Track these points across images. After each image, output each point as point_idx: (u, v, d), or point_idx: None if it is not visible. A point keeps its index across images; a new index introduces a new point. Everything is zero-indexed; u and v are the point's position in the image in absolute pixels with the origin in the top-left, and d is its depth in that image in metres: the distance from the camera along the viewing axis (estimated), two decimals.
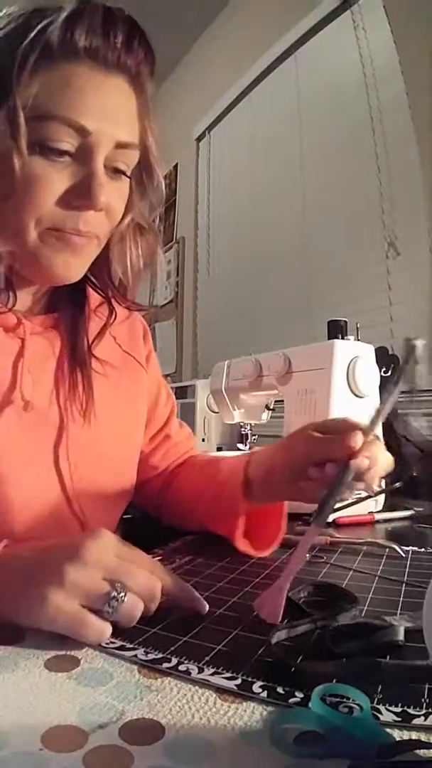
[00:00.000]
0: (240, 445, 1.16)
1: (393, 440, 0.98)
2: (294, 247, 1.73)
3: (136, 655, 0.33)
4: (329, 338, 0.92)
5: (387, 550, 0.57)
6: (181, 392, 1.76)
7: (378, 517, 0.76)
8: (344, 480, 0.44)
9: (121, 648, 0.34)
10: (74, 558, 0.34)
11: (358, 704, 0.27)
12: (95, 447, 0.60)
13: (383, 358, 0.84)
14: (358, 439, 0.44)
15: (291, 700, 0.28)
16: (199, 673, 0.31)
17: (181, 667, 0.31)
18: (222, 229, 2.22)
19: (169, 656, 0.33)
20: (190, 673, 0.31)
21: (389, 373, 0.97)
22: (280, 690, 0.29)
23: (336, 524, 0.71)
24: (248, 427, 1.11)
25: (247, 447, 1.11)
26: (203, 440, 1.67)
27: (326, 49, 1.66)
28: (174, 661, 0.32)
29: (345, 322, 0.95)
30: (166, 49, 2.29)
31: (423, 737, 0.24)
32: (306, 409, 0.79)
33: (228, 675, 0.30)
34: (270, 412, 1.04)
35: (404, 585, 0.46)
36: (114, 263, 0.59)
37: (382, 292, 1.37)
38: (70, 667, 0.31)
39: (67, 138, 0.46)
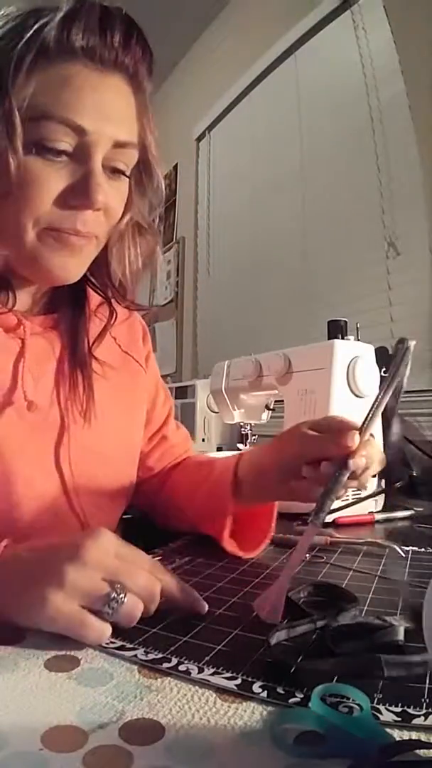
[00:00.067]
0: (240, 445, 1.16)
1: (389, 439, 0.98)
2: (294, 247, 1.73)
3: (136, 655, 0.33)
4: (329, 338, 0.92)
5: (387, 550, 0.57)
6: (181, 392, 1.76)
7: (378, 517, 0.76)
8: (341, 479, 0.44)
9: (121, 648, 0.34)
10: (74, 558, 0.34)
11: (358, 704, 0.27)
12: (95, 447, 0.60)
13: (383, 358, 0.84)
14: (355, 438, 0.44)
15: (291, 700, 0.28)
16: (199, 673, 0.31)
17: (181, 667, 0.31)
18: (222, 229, 2.22)
19: (169, 656, 0.33)
20: (190, 673, 0.31)
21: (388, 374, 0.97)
22: (280, 690, 0.29)
23: (336, 524, 0.71)
24: (248, 427, 1.11)
25: (247, 447, 1.11)
26: (203, 440, 1.67)
27: (326, 49, 1.65)
28: (174, 661, 0.32)
29: (345, 322, 0.95)
30: (166, 49, 2.31)
31: (423, 737, 0.24)
32: (306, 409, 0.79)
33: (228, 675, 0.30)
34: (270, 412, 1.04)
35: (404, 585, 0.46)
36: (113, 263, 0.59)
37: (382, 292, 1.37)
38: (70, 667, 0.31)
39: (64, 138, 0.46)
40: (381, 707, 0.27)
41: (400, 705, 0.27)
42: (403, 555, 0.56)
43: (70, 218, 0.48)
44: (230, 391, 1.01)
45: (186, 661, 0.32)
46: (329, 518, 0.71)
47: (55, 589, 0.33)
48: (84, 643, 0.34)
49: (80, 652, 0.33)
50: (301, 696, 0.28)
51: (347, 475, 0.44)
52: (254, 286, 1.91)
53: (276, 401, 1.01)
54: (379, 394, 0.43)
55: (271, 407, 1.03)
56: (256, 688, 0.29)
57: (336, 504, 0.55)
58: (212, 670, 0.31)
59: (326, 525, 0.69)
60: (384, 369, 0.82)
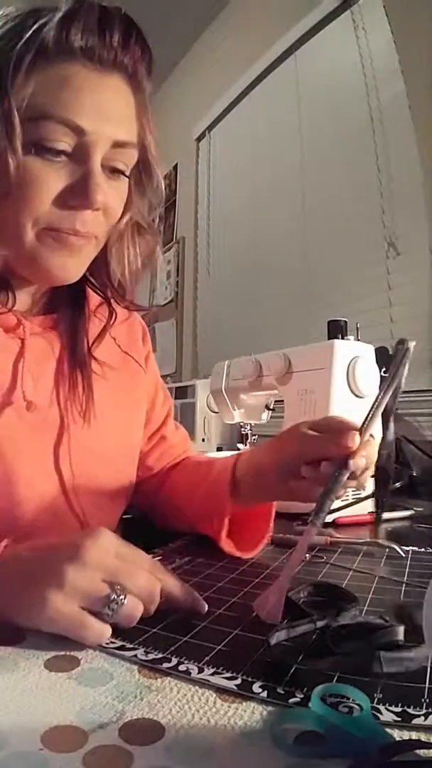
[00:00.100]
0: (240, 445, 1.16)
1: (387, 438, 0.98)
2: (294, 247, 1.73)
3: (136, 655, 0.33)
4: (329, 338, 0.92)
5: (387, 550, 0.57)
6: (181, 392, 1.76)
7: (366, 517, 0.75)
8: (341, 479, 0.44)
9: (121, 648, 0.34)
10: (74, 558, 0.34)
11: (358, 704, 0.27)
12: (95, 447, 0.60)
13: (383, 358, 0.84)
14: (356, 439, 0.44)
15: (291, 700, 0.28)
16: (199, 673, 0.31)
17: (181, 667, 0.31)
18: (222, 229, 2.22)
19: (169, 656, 0.33)
20: (190, 673, 0.31)
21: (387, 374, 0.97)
22: (280, 690, 0.29)
23: (336, 524, 0.71)
24: (248, 427, 1.11)
25: (247, 447, 1.11)
26: (203, 440, 1.67)
27: (326, 49, 1.65)
28: (174, 661, 0.32)
29: (345, 322, 0.95)
30: (166, 49, 2.30)
31: (423, 737, 0.24)
32: (306, 409, 0.79)
33: (228, 675, 0.30)
34: (270, 412, 1.04)
35: (404, 585, 0.46)
36: (113, 263, 0.59)
37: (381, 292, 1.37)
38: (70, 667, 0.31)
39: (63, 138, 0.46)
40: (381, 707, 0.27)
41: (400, 705, 0.27)
42: (403, 555, 0.56)
43: (69, 218, 0.48)
44: (230, 391, 1.01)
45: (186, 661, 0.32)
46: (329, 518, 0.71)
47: (55, 589, 0.33)
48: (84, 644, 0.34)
49: (80, 652, 0.33)
50: (301, 696, 0.28)
51: (347, 475, 0.44)
52: (254, 286, 1.91)
53: (276, 401, 1.01)
54: (379, 394, 0.43)
55: (271, 407, 1.03)
56: (256, 688, 0.29)
57: (336, 504, 0.55)
58: (212, 670, 0.31)
59: (326, 525, 0.69)
60: (384, 369, 0.82)
